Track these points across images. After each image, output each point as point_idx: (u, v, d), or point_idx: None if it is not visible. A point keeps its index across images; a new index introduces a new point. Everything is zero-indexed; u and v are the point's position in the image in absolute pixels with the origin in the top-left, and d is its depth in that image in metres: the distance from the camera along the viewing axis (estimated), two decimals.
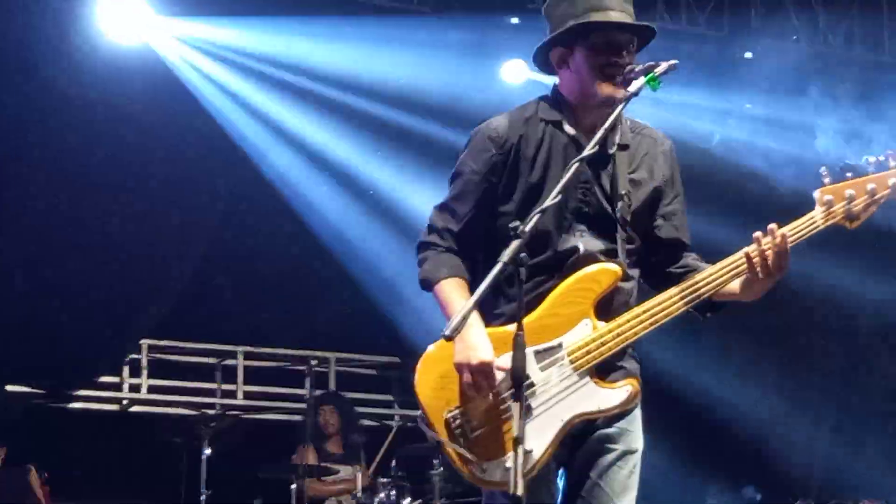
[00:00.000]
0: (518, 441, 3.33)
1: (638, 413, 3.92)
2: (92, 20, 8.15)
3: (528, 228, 3.37)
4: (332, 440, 8.97)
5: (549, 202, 3.49)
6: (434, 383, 3.81)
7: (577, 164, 3.56)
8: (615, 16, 3.87)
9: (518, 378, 3.37)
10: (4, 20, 7.81)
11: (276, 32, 8.64)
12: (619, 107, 3.72)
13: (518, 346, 3.36)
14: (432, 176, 7.28)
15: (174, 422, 9.28)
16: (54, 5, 8.15)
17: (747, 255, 3.73)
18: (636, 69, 3.78)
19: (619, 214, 3.90)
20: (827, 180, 3.89)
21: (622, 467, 3.84)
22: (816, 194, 3.85)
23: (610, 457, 3.83)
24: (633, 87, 3.71)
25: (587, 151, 3.60)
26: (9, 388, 9.03)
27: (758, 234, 3.69)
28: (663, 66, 3.71)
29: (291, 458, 8.63)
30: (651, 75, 3.70)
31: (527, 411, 3.68)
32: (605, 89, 3.81)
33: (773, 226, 3.69)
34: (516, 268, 3.40)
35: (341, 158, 9.24)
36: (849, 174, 3.91)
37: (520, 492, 3.32)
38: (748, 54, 9.58)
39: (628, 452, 3.86)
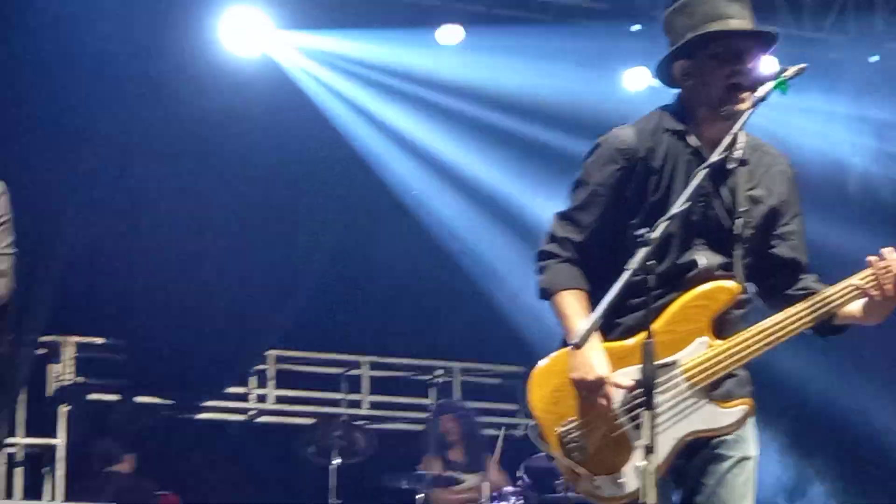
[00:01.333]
0: (649, 449, 3.29)
1: (752, 420, 3.83)
2: (213, 33, 8.17)
3: (655, 236, 3.30)
4: (455, 449, 8.69)
5: (676, 209, 3.41)
6: (548, 397, 3.80)
7: (703, 172, 3.48)
8: (734, 24, 3.75)
9: (648, 386, 3.33)
10: (128, 32, 7.67)
11: (396, 43, 8.52)
12: (747, 112, 3.60)
13: (647, 354, 3.33)
14: (553, 184, 7.01)
15: (301, 431, 8.90)
16: (177, 17, 8.05)
17: (876, 277, 3.63)
18: (763, 75, 3.69)
19: (738, 231, 3.81)
20: None
21: (738, 474, 3.76)
22: None
23: (726, 464, 3.76)
24: (760, 92, 3.60)
25: (715, 157, 3.51)
26: (138, 399, 8.97)
27: (871, 258, 3.63)
28: (792, 69, 3.61)
29: (417, 468, 8.41)
30: (781, 79, 3.57)
31: (641, 429, 3.56)
32: (730, 99, 3.72)
33: (887, 249, 3.66)
34: (645, 275, 3.33)
35: (462, 166, 8.93)
36: None
37: (651, 501, 3.26)
38: (874, 58, 9.10)
39: (744, 459, 3.78)
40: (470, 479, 8.46)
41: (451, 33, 8.71)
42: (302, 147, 8.46)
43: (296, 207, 8.95)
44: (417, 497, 7.99)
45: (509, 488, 8.05)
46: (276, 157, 8.35)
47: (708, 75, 3.72)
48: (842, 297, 3.71)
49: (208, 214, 8.64)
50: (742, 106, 3.66)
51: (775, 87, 3.61)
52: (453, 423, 8.77)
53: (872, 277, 3.66)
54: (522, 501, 7.87)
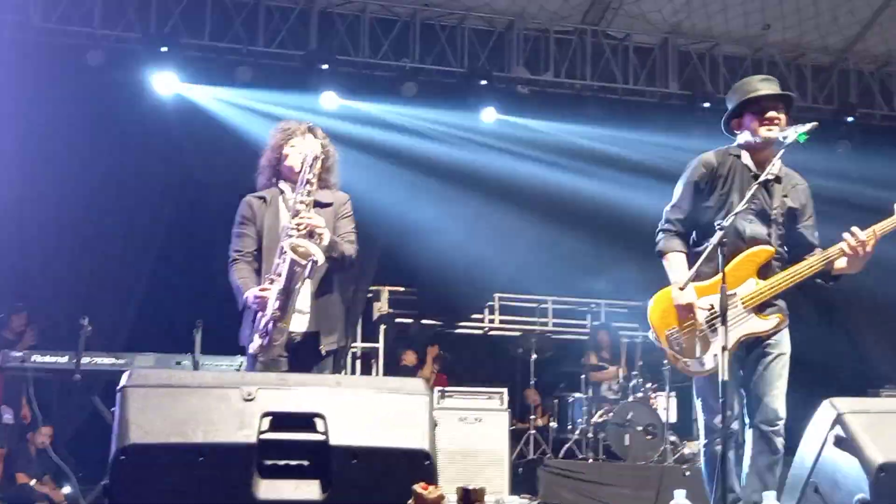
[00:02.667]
0: (724, 348, 4.07)
1: (786, 330, 4.64)
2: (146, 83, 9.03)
3: (727, 224, 4.26)
4: (604, 350, 10.49)
5: (739, 207, 4.37)
6: (660, 314, 4.62)
7: (756, 185, 4.44)
8: (764, 91, 4.68)
9: (723, 308, 4.15)
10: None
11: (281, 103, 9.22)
12: (780, 151, 4.47)
13: (722, 291, 4.17)
14: None
15: (513, 339, 10.68)
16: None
17: (848, 244, 4.45)
18: (789, 127, 4.52)
19: (774, 217, 4.66)
20: None
21: (777, 363, 4.61)
22: (894, 207, 4.50)
23: (770, 357, 4.61)
24: (789, 140, 4.42)
25: (763, 177, 4.48)
26: (423, 321, 11.24)
27: (846, 234, 4.46)
28: (808, 126, 4.41)
29: (581, 360, 10.23)
30: (801, 133, 4.39)
31: (714, 332, 4.42)
32: (765, 133, 4.62)
33: (855, 229, 4.47)
34: (719, 247, 4.25)
35: None
36: None
37: (726, 376, 4.04)
38: None
39: (781, 354, 4.62)
40: (612, 369, 10.26)
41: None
42: None
43: None
44: (581, 377, 9.73)
45: (634, 372, 9.68)
46: None
47: (752, 120, 4.63)
48: (833, 254, 4.50)
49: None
50: (772, 136, 4.53)
51: (798, 137, 4.40)
52: (605, 335, 10.67)
53: (849, 247, 4.44)
54: (642, 380, 9.55)
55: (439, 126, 10.44)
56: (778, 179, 4.67)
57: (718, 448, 4.44)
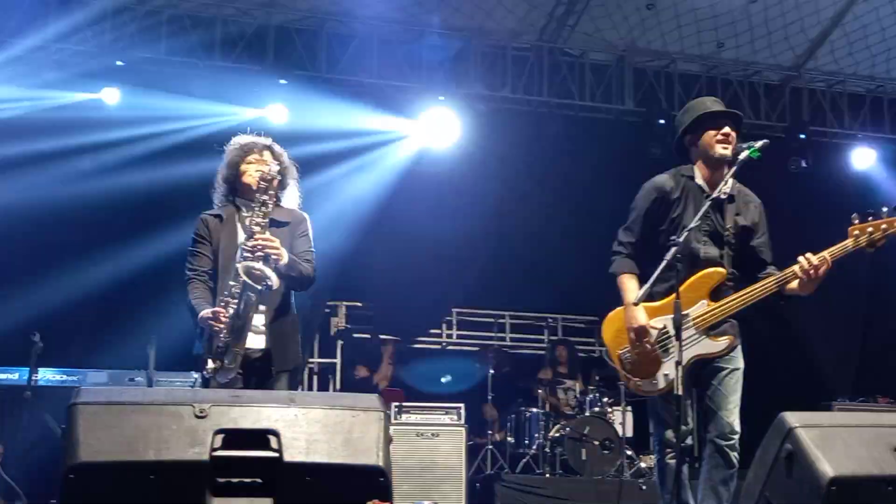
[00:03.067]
0: (679, 363, 4.17)
1: (739, 347, 4.71)
2: None
3: (681, 239, 4.36)
4: (563, 365, 10.57)
5: (692, 224, 4.46)
6: (614, 333, 4.72)
7: (708, 203, 4.53)
8: (717, 107, 4.80)
9: (678, 323, 4.21)
10: None
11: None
12: (733, 169, 4.57)
13: (677, 308, 4.23)
14: None
15: (471, 355, 11.00)
16: None
17: (801, 268, 4.49)
18: (741, 145, 4.61)
19: (726, 237, 4.71)
20: (856, 221, 4.55)
21: (731, 378, 4.66)
22: (849, 230, 4.54)
23: (724, 372, 4.67)
24: (742, 156, 4.55)
25: (715, 194, 4.54)
26: (380, 336, 10.91)
27: (800, 257, 4.51)
28: (759, 143, 4.56)
29: (537, 375, 10.27)
30: (753, 148, 4.55)
31: (666, 352, 4.52)
32: (720, 150, 4.71)
33: (809, 254, 4.51)
34: (675, 263, 4.31)
35: None
36: (870, 217, 4.55)
37: (680, 391, 4.13)
38: None
39: (735, 369, 4.68)
40: (569, 382, 10.29)
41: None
42: None
43: None
44: (539, 392, 9.78)
45: (591, 387, 9.74)
46: None
47: (706, 137, 4.71)
48: (785, 278, 4.55)
49: None
50: (727, 154, 4.61)
51: (750, 154, 4.53)
52: (563, 350, 10.66)
53: (802, 270, 4.49)
54: (598, 395, 9.55)
55: (387, 138, 10.45)
56: (731, 198, 4.71)
57: (672, 462, 4.49)
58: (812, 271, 4.46)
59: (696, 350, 4.54)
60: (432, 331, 11.85)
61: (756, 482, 3.98)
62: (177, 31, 9.63)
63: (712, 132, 4.71)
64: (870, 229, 4.50)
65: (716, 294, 4.62)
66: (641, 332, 4.53)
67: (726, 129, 4.69)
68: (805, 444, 3.73)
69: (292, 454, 3.40)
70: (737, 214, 4.73)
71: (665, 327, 4.47)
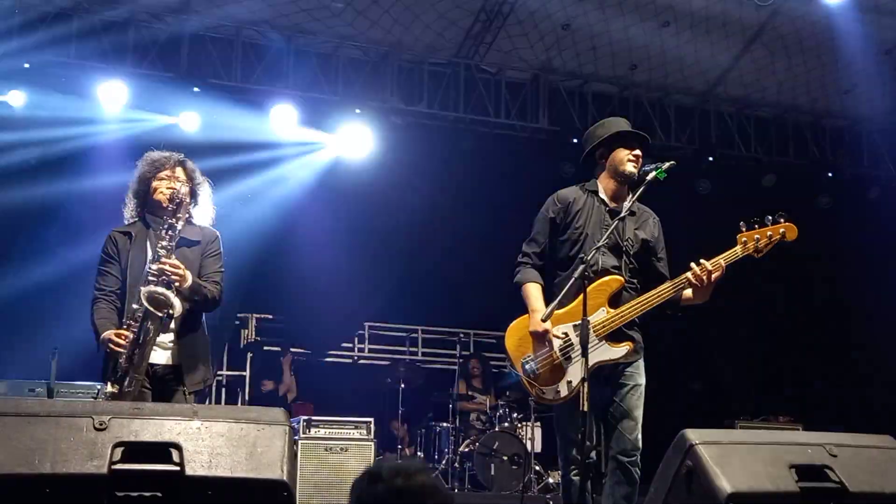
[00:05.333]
0: (584, 379, 4.18)
1: (641, 361, 4.81)
2: None
3: (589, 258, 4.47)
4: (476, 379, 10.60)
5: (601, 243, 4.56)
6: (517, 342, 4.73)
7: (617, 220, 4.70)
8: (628, 129, 4.93)
9: (584, 341, 4.26)
10: None
11: None
12: (642, 187, 4.70)
13: (584, 325, 4.29)
14: None
15: (382, 369, 10.81)
16: None
17: (694, 274, 4.65)
18: (649, 165, 4.76)
19: (625, 248, 4.84)
20: (744, 228, 4.77)
21: (633, 394, 4.75)
22: (738, 237, 4.74)
23: (626, 388, 4.76)
24: (649, 176, 4.70)
25: (624, 213, 4.73)
26: (291, 349, 10.81)
27: (693, 264, 4.66)
28: (667, 164, 4.71)
29: (451, 390, 10.20)
30: (660, 169, 4.71)
31: (568, 360, 4.56)
32: (630, 168, 4.86)
33: (703, 260, 4.67)
34: (583, 279, 4.41)
35: None
36: (756, 225, 4.76)
37: (586, 407, 4.12)
38: None
39: (637, 385, 4.78)
40: (481, 397, 10.37)
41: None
42: None
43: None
44: (449, 406, 9.71)
45: (501, 402, 9.78)
46: None
47: (617, 154, 4.84)
48: (681, 283, 4.67)
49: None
50: (635, 172, 4.76)
51: (657, 174, 4.68)
52: (476, 364, 10.69)
53: (695, 277, 4.63)
54: (508, 410, 9.64)
55: (301, 150, 10.41)
56: (632, 213, 4.85)
57: (577, 478, 4.49)
58: (705, 275, 4.59)
59: (598, 356, 4.58)
60: (344, 344, 11.86)
61: (657, 497, 4.04)
62: (87, 34, 9.47)
63: (625, 151, 4.86)
64: (757, 236, 4.70)
65: (615, 301, 4.71)
66: (545, 337, 4.59)
67: (638, 151, 4.85)
68: (705, 460, 3.80)
69: (194, 468, 3.34)
70: (636, 228, 4.85)
71: (567, 335, 4.53)
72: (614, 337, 4.69)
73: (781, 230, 4.75)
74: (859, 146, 12.61)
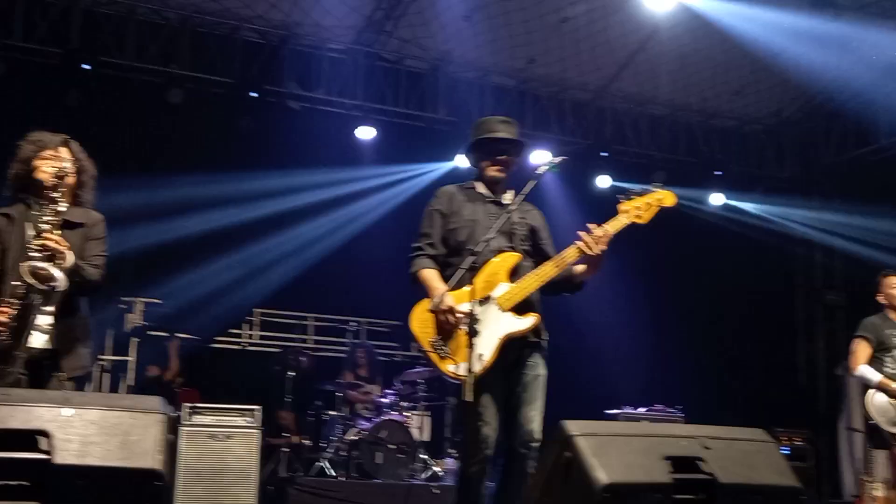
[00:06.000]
0: (471, 370, 4.33)
1: (543, 353, 4.86)
2: None
3: (479, 249, 4.61)
4: (362, 368, 10.52)
5: (489, 235, 4.66)
6: (421, 323, 4.74)
7: (506, 215, 4.75)
8: (500, 133, 4.93)
9: (472, 331, 4.36)
10: None
11: None
12: (532, 182, 4.74)
13: (472, 315, 4.42)
14: None
15: (272, 356, 10.64)
16: None
17: (584, 241, 4.72)
18: (543, 162, 4.83)
19: (515, 232, 4.95)
20: (623, 199, 4.90)
21: (534, 384, 4.79)
22: (619, 207, 4.86)
23: (527, 378, 4.80)
24: (540, 171, 4.73)
25: (513, 206, 4.80)
26: (178, 335, 10.43)
27: (582, 233, 4.73)
28: (558, 159, 4.88)
29: (338, 378, 10.01)
30: (552, 164, 4.81)
31: (475, 335, 4.46)
32: (492, 172, 4.98)
33: (591, 225, 4.74)
34: (473, 268, 4.57)
35: None
36: (634, 195, 4.91)
37: (470, 397, 4.27)
38: None
39: (538, 375, 4.82)
40: (369, 386, 10.24)
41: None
42: None
43: None
44: (337, 395, 9.64)
45: (389, 391, 9.70)
46: None
47: (482, 159, 4.95)
48: (569, 253, 4.76)
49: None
50: (498, 175, 4.91)
51: (550, 169, 4.79)
52: (363, 354, 10.60)
53: (584, 244, 4.72)
54: (397, 398, 9.56)
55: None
56: (515, 204, 4.89)
57: (474, 469, 4.57)
58: (592, 242, 4.67)
59: (505, 329, 4.65)
60: (233, 331, 11.65)
61: (535, 487, 4.10)
62: None
63: (487, 161, 4.97)
64: (637, 204, 4.84)
65: (515, 276, 4.79)
66: (450, 313, 4.60)
67: (501, 158, 4.93)
68: (582, 451, 3.87)
69: (64, 456, 3.29)
70: (521, 217, 4.97)
71: (472, 311, 4.50)
72: (519, 310, 4.73)
73: (658, 196, 4.89)
74: (746, 146, 12.98)
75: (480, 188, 5.02)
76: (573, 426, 3.97)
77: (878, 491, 9.69)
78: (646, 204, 4.87)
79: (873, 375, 7.08)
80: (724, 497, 3.86)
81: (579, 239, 4.73)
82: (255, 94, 10.21)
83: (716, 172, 12.32)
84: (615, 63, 11.44)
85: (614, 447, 3.96)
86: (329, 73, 10.74)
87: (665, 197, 4.91)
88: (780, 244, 12.75)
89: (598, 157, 11.55)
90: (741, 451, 4.14)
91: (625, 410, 9.91)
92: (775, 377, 12.61)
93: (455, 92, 11.22)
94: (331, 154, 10.71)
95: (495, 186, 5.01)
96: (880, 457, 6.94)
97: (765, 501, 3.99)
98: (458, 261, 4.71)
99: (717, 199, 12.33)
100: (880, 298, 7.27)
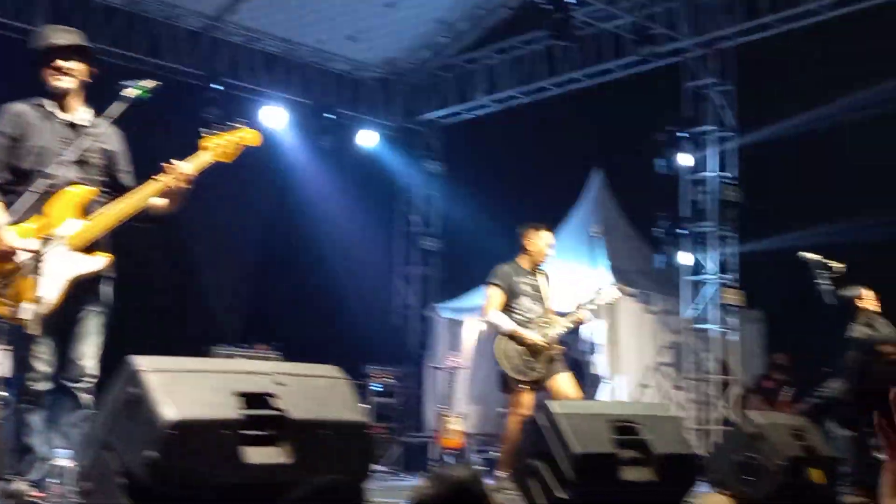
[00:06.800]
0: (38, 300, 4.21)
1: (109, 287, 4.71)
2: None
3: (51, 171, 4.36)
4: None
5: (66, 157, 4.44)
6: None
7: (78, 136, 4.53)
8: (57, 41, 4.61)
9: (38, 261, 4.22)
10: None
11: None
12: (123, 105, 4.52)
13: (43, 242, 4.25)
14: None
15: None
16: None
17: (172, 177, 4.57)
18: (129, 82, 4.55)
19: (88, 160, 4.68)
20: (205, 134, 4.75)
21: (91, 320, 4.67)
22: (200, 143, 4.69)
23: (83, 313, 4.65)
24: (127, 93, 4.50)
25: (90, 130, 4.57)
26: None
27: (165, 164, 4.58)
28: (151, 84, 4.58)
29: None
30: (144, 89, 4.54)
31: (41, 274, 4.27)
32: (53, 83, 4.63)
33: (174, 162, 4.59)
34: (43, 194, 4.34)
35: None
36: (217, 132, 4.77)
37: (38, 331, 4.19)
38: None
39: (97, 311, 4.69)
40: None
41: None
42: None
43: None
44: None
45: None
46: None
47: (45, 69, 4.61)
48: (149, 190, 4.59)
49: None
50: (58, 84, 4.59)
51: (142, 94, 4.53)
52: None
53: (165, 181, 4.56)
54: None
55: None
56: (93, 125, 4.68)
57: (24, 405, 4.40)
58: (174, 180, 4.56)
59: (74, 270, 4.47)
60: None
61: (101, 425, 3.94)
62: None
63: (51, 66, 4.61)
64: (220, 141, 4.72)
65: (86, 212, 4.59)
66: (11, 253, 4.34)
67: (59, 63, 4.59)
68: (150, 387, 3.75)
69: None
70: (99, 141, 4.72)
71: (38, 249, 4.29)
72: (90, 249, 4.56)
73: (242, 134, 4.79)
74: (357, 92, 13.26)
75: (51, 107, 4.68)
76: (141, 361, 3.84)
77: (455, 424, 10.54)
78: (230, 141, 4.75)
79: (505, 323, 7.04)
80: (293, 431, 3.90)
81: (162, 171, 4.60)
82: None
83: (326, 115, 12.46)
84: None
85: (185, 383, 3.87)
86: None
87: (251, 135, 4.83)
88: (383, 190, 13.18)
89: (210, 90, 11.20)
90: (314, 387, 4.20)
91: (223, 348, 9.86)
92: (372, 318, 13.04)
93: (59, 7, 10.45)
94: None
95: (63, 101, 4.67)
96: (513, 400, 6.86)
97: (334, 435, 4.08)
98: (25, 189, 4.41)
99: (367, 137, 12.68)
100: (528, 247, 7.17)
